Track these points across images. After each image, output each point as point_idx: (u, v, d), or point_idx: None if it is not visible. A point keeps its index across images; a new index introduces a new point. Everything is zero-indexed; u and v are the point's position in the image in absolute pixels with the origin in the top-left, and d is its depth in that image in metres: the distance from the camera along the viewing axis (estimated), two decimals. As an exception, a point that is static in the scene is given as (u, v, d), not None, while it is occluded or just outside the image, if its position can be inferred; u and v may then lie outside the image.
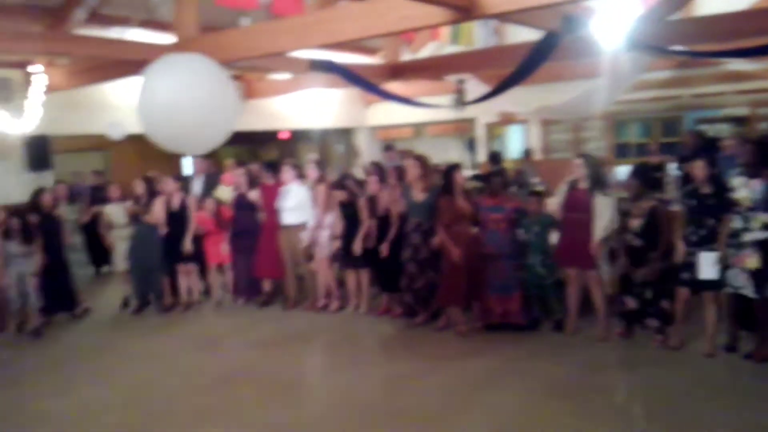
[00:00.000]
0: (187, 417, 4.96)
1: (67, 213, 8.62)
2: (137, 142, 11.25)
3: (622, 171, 8.31)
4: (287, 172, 7.69)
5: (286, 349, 6.52)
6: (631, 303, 5.99)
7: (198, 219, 7.93)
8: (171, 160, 13.70)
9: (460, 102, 9.92)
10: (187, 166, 13.35)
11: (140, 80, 4.92)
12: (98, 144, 12.96)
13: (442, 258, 6.51)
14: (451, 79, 10.29)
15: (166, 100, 4.49)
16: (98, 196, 9.52)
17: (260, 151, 16.08)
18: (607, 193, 6.09)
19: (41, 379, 5.94)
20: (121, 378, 5.94)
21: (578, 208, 6.12)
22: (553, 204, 6.64)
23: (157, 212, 7.82)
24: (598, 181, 6.13)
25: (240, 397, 5.31)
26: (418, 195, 6.75)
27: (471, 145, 14.03)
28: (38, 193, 7.67)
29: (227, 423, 4.80)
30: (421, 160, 6.89)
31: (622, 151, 11.96)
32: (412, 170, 6.76)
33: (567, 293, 6.36)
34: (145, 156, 13.67)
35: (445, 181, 6.56)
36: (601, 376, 5.41)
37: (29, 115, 8.74)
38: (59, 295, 7.65)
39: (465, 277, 6.35)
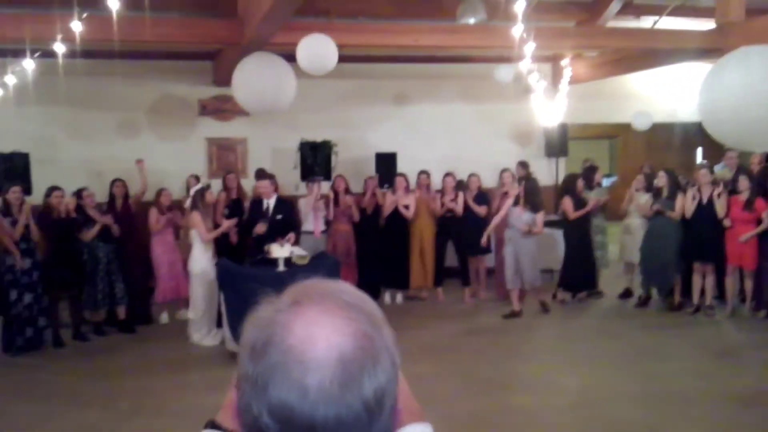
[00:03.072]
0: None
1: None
2: (645, 131, 11.13)
3: None
4: None
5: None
6: None
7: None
8: (681, 152, 13.15)
9: None
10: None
11: (708, 71, 4.69)
12: (605, 132, 13.30)
13: None
14: None
15: (740, 93, 4.15)
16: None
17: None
18: None
19: (547, 354, 6.46)
20: (631, 366, 5.95)
21: None
22: None
23: (686, 207, 7.44)
24: None
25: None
26: None
27: None
28: (570, 178, 8.28)
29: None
30: None
31: None
32: None
33: None
34: (652, 146, 13.48)
35: None
36: None
37: (556, 106, 9.45)
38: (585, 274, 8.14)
39: None
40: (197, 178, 8.05)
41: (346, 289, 0.82)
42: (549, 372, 5.87)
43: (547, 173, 10.48)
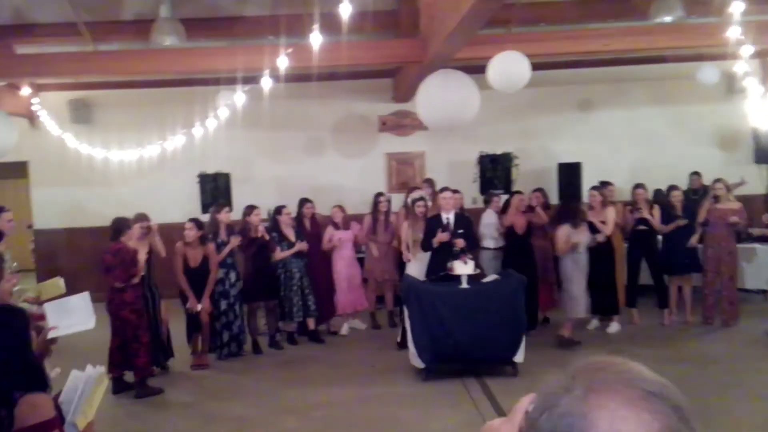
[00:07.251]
0: None
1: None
2: None
3: None
4: None
5: None
6: None
7: None
8: None
9: None
10: None
11: None
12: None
13: None
14: None
15: None
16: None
17: None
18: None
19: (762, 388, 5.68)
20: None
21: None
22: None
23: None
24: None
25: None
26: None
27: None
28: None
29: None
30: None
31: None
32: None
33: None
34: None
35: None
36: None
37: (764, 107, 8.40)
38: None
39: None
40: (412, 190, 8.14)
41: (645, 374, 0.76)
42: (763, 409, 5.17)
43: (757, 181, 9.40)
